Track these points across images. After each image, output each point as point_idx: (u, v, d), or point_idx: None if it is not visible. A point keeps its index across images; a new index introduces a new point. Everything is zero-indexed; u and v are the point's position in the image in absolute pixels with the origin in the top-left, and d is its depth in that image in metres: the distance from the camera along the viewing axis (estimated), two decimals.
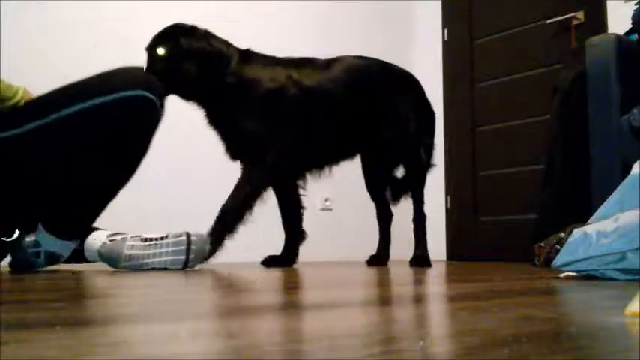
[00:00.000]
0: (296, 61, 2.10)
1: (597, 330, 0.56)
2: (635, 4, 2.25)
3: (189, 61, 1.94)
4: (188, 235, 1.75)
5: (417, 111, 2.28)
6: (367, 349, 0.45)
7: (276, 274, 1.75)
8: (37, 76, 2.57)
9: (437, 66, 3.88)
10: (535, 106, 3.25)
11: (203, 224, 1.91)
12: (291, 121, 2.05)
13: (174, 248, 1.72)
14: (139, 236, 1.74)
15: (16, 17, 2.55)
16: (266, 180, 2.04)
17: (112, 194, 1.67)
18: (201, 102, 2.03)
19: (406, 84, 2.30)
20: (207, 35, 2.00)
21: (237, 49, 2.04)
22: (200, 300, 0.90)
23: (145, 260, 1.70)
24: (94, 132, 1.56)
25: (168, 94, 1.88)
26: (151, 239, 1.73)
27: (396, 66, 2.31)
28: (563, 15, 3.23)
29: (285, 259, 2.18)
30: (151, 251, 1.71)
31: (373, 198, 2.44)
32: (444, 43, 3.90)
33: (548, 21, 3.29)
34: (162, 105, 1.66)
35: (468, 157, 3.70)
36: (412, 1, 3.99)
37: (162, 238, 1.73)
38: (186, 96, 2.02)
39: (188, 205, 2.74)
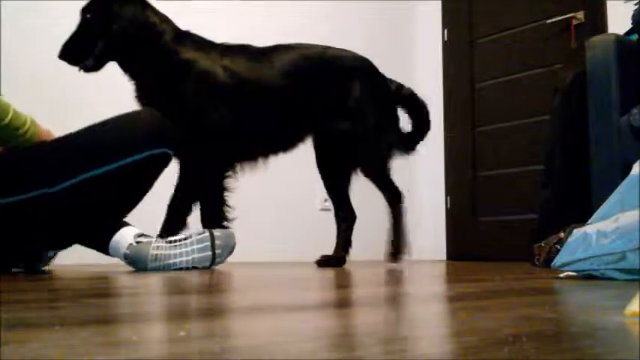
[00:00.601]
0: (231, 47, 2.05)
1: (597, 330, 0.56)
2: (635, 4, 2.25)
3: (119, 27, 1.91)
4: (211, 232, 1.75)
5: (376, 103, 2.13)
6: (367, 349, 0.45)
7: (276, 274, 1.76)
8: (38, 77, 2.57)
9: (437, 66, 3.88)
10: (535, 106, 3.25)
11: None
12: (220, 106, 1.97)
13: (199, 246, 1.71)
14: (164, 239, 1.74)
15: (16, 17, 2.55)
16: (211, 167, 1.99)
17: (116, 220, 1.75)
18: (132, 75, 1.99)
19: (357, 72, 2.14)
20: (142, 3, 1.97)
21: (174, 28, 2.00)
22: (200, 300, 0.90)
23: (172, 260, 1.69)
24: (113, 189, 1.65)
25: (103, 62, 1.93)
26: (175, 240, 1.73)
27: (345, 52, 2.17)
28: (563, 15, 3.23)
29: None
30: (177, 251, 1.70)
31: (330, 195, 2.29)
32: (444, 43, 3.90)
33: (548, 21, 3.29)
34: (173, 152, 1.75)
35: (468, 157, 3.70)
36: (412, 1, 3.99)
37: (185, 239, 1.73)
38: (119, 64, 1.99)
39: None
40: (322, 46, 2.18)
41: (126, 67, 1.99)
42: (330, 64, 2.13)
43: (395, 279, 1.53)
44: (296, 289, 1.15)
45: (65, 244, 1.78)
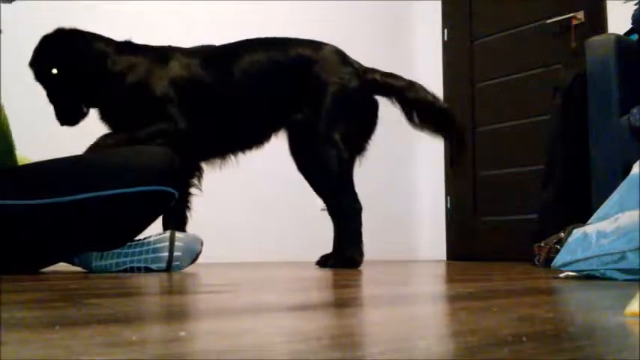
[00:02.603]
0: (180, 50, 2.03)
1: (597, 330, 0.56)
2: (635, 4, 2.25)
3: (69, 66, 1.93)
4: (172, 233, 1.68)
5: (335, 86, 2.02)
6: (367, 349, 0.45)
7: (277, 274, 1.76)
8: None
9: (437, 66, 3.88)
10: (535, 106, 3.26)
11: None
12: (174, 108, 1.95)
13: (155, 246, 1.64)
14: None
15: (16, 18, 2.55)
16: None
17: (101, 247, 1.68)
18: (93, 101, 2.00)
19: (316, 68, 2.05)
20: (78, 35, 1.98)
21: (113, 42, 2.00)
22: (200, 300, 0.90)
23: (122, 259, 1.63)
24: (110, 216, 1.59)
25: (87, 109, 1.95)
26: (133, 242, 1.68)
27: (305, 48, 2.09)
28: (563, 15, 3.23)
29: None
30: (128, 250, 1.64)
31: (317, 192, 2.14)
32: (444, 43, 3.90)
33: (548, 21, 3.29)
34: (176, 190, 1.69)
35: (468, 157, 3.70)
36: (412, 1, 3.99)
37: (144, 239, 1.68)
38: (86, 98, 1.99)
39: None
40: (282, 39, 2.13)
41: (89, 100, 1.99)
42: (287, 62, 2.06)
43: (393, 279, 1.53)
44: (296, 289, 1.15)
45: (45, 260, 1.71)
